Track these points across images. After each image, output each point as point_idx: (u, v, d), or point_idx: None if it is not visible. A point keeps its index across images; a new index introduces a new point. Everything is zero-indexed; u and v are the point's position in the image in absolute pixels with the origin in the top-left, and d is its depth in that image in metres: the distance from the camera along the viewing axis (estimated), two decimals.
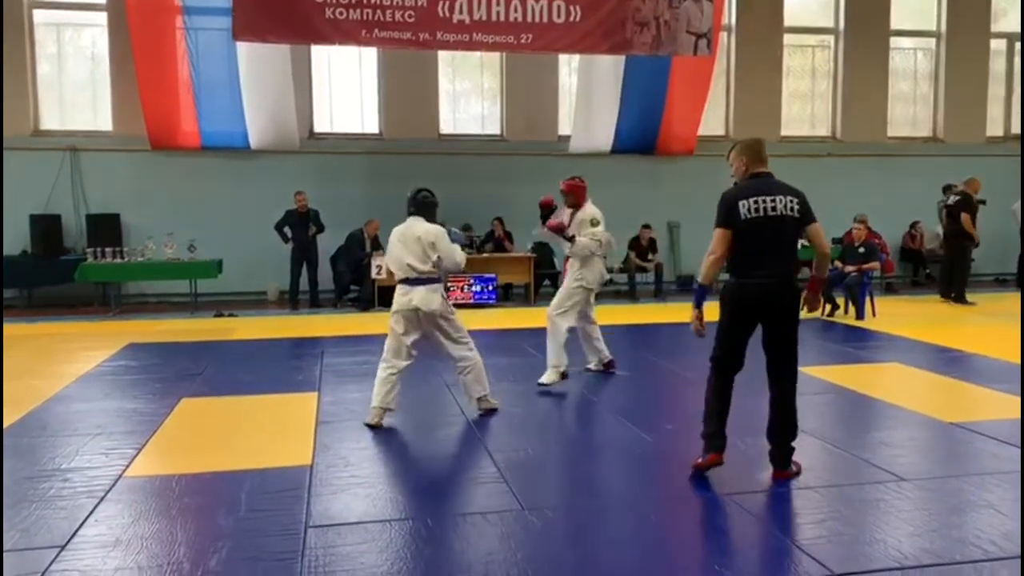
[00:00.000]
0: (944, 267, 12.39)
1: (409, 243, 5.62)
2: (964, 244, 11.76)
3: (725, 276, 4.42)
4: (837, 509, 4.00)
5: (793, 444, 4.36)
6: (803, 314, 4.37)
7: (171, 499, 4.23)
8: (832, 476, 4.50)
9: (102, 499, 4.19)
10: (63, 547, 3.61)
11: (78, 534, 3.75)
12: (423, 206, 5.77)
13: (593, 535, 3.76)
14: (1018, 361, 7.40)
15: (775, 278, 4.21)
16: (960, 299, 11.68)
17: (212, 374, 7.31)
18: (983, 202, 13.09)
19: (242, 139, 12.39)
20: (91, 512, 4.01)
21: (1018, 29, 15.21)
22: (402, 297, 5.59)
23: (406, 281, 5.59)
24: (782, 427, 4.34)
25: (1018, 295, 12.84)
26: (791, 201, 4.22)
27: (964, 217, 11.67)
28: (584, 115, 13.30)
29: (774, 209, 4.18)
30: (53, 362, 7.88)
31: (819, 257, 4.41)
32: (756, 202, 4.19)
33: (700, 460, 4.34)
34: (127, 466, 4.72)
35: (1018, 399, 6.06)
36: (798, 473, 4.35)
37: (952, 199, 11.95)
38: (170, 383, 6.89)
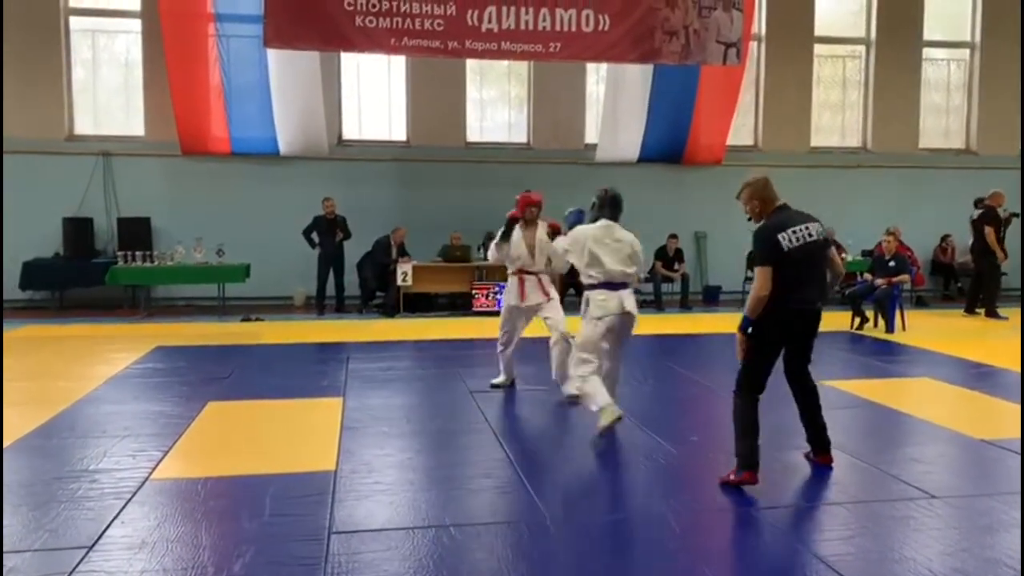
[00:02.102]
0: (972, 283, 12.23)
1: (612, 246, 5.53)
2: (989, 259, 11.58)
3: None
4: (865, 525, 3.94)
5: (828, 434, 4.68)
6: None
7: (196, 502, 4.26)
8: (860, 492, 4.44)
9: (129, 501, 4.22)
10: (90, 548, 3.64)
11: (105, 535, 3.79)
12: (619, 209, 5.68)
13: (616, 546, 3.74)
14: None
15: (814, 303, 4.46)
16: (992, 314, 11.50)
17: (238, 378, 7.36)
18: (1017, 215, 12.91)
19: (272, 145, 12.51)
20: (118, 514, 4.04)
21: None
22: (608, 302, 5.49)
23: (607, 285, 5.51)
24: (813, 415, 4.69)
25: None
26: (819, 227, 4.45)
27: (988, 231, 11.50)
28: (611, 124, 13.28)
29: (810, 235, 4.38)
30: (83, 364, 7.98)
31: (836, 277, 4.70)
32: (795, 232, 4.37)
33: (732, 476, 4.37)
34: (154, 468, 4.76)
35: None
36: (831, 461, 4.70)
37: (976, 213, 11.80)
38: (197, 386, 6.94)
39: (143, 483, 4.50)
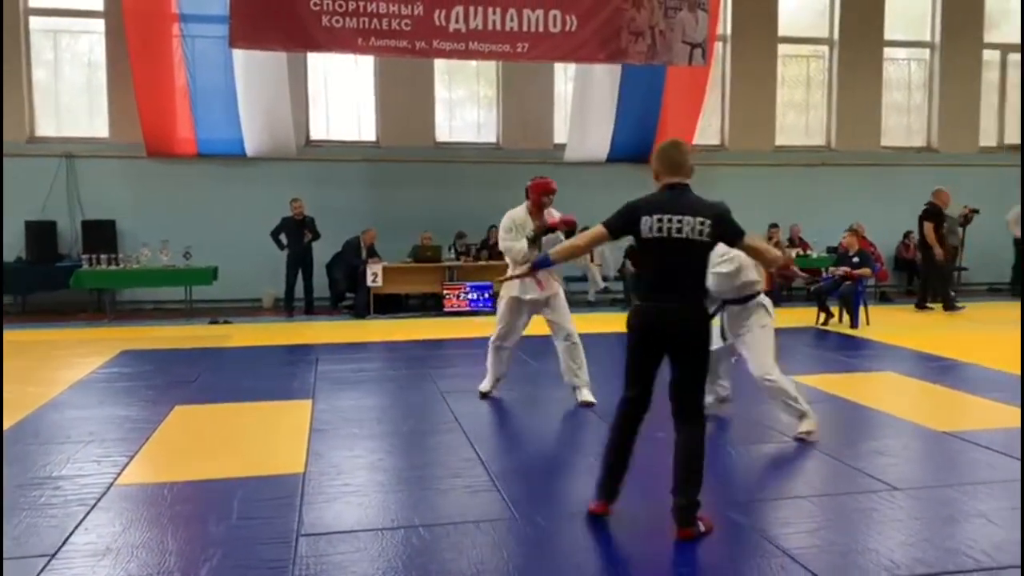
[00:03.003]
0: (922, 278, 12.47)
1: None
2: (928, 254, 11.79)
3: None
4: (829, 518, 4.01)
5: (699, 499, 3.76)
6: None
7: (162, 507, 4.22)
8: (825, 485, 4.51)
9: (93, 507, 4.17)
10: (53, 556, 3.60)
11: (68, 542, 3.74)
12: None
13: (585, 544, 3.76)
14: (1011, 370, 7.43)
15: (675, 303, 3.78)
16: (948, 307, 11.69)
17: (206, 381, 7.29)
18: (976, 211, 13.17)
19: (238, 146, 12.41)
20: (82, 520, 3.99)
21: (1010, 40, 15.32)
22: None
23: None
24: (683, 477, 3.77)
25: (1012, 304, 12.90)
26: (700, 223, 3.73)
27: (927, 227, 11.72)
28: (580, 123, 13.34)
29: (679, 231, 3.73)
30: (47, 369, 7.86)
31: (766, 264, 4.22)
32: (660, 220, 3.75)
33: (591, 504, 4.00)
34: (119, 474, 4.71)
35: (1012, 408, 6.09)
36: (706, 532, 3.74)
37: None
38: (163, 390, 6.87)
39: (108, 489, 4.45)
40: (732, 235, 3.86)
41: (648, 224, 3.78)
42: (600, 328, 9.21)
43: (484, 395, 6.47)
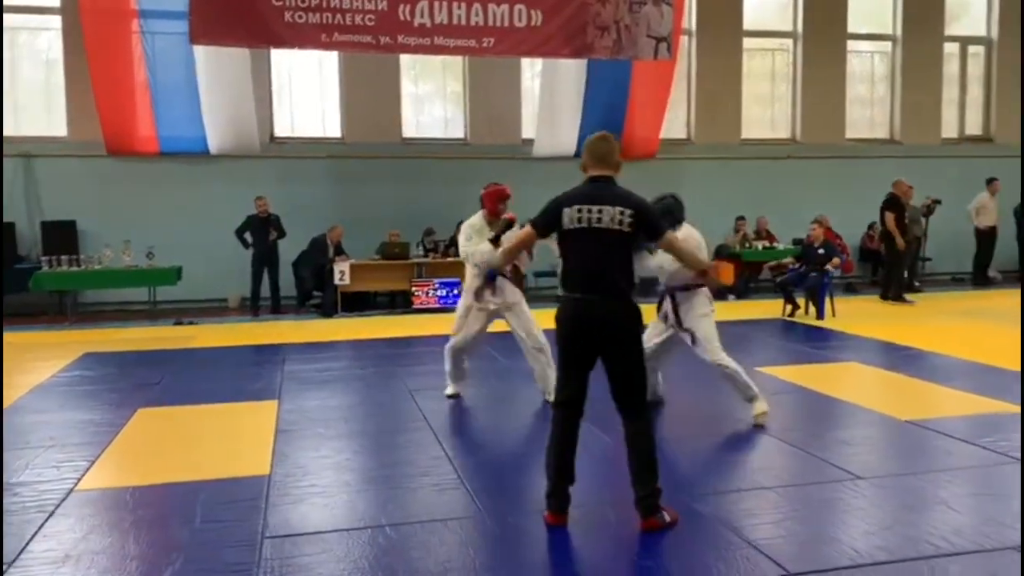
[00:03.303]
0: (885, 268, 12.63)
1: None
2: (892, 244, 11.94)
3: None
4: (794, 508, 4.04)
5: (659, 486, 3.75)
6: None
7: (124, 512, 4.15)
8: (789, 476, 4.55)
9: (52, 513, 4.10)
10: (11, 564, 3.52)
11: (26, 550, 3.67)
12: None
13: (552, 539, 3.75)
14: (973, 358, 7.56)
15: (599, 296, 3.72)
16: (898, 298, 11.84)
17: (170, 383, 7.20)
18: (938, 201, 13.36)
19: (201, 144, 12.24)
20: (40, 527, 3.92)
21: (970, 32, 15.56)
22: None
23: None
24: (638, 469, 3.76)
25: (973, 293, 13.13)
26: (621, 213, 3.68)
27: (888, 217, 11.87)
28: (547, 118, 13.33)
29: (599, 221, 3.69)
30: (6, 373, 7.65)
31: (688, 267, 4.17)
32: (580, 211, 3.73)
33: (546, 515, 3.89)
34: (79, 479, 4.63)
35: (973, 396, 6.20)
36: (672, 523, 3.75)
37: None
38: (127, 393, 6.77)
39: (68, 494, 4.37)
40: (653, 230, 3.81)
41: (568, 215, 3.76)
42: None
43: (452, 396, 6.40)
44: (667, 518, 3.76)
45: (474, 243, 5.93)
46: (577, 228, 3.75)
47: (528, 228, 3.95)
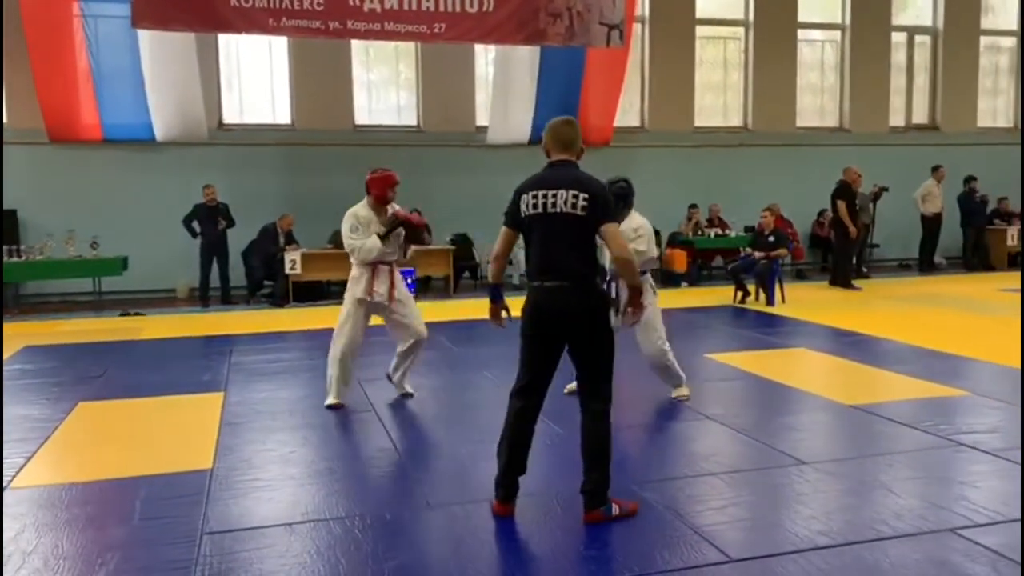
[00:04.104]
0: (834, 255, 12.83)
1: None
2: (841, 231, 12.14)
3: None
4: (739, 494, 4.07)
5: (606, 478, 3.72)
6: (618, 323, 3.91)
7: (59, 510, 4.03)
8: (735, 462, 4.57)
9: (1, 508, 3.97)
10: None
11: None
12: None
13: (497, 528, 3.73)
14: (918, 343, 7.70)
15: (560, 282, 3.65)
16: (846, 284, 12.04)
17: (113, 376, 7.03)
18: (886, 189, 13.59)
19: (147, 131, 11.96)
20: None
21: (916, 23, 15.82)
22: None
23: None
24: (587, 458, 3.73)
25: (920, 279, 13.39)
26: (574, 196, 3.62)
27: (840, 205, 12.06)
28: (501, 106, 13.26)
29: (553, 205, 3.64)
30: None
31: (616, 263, 3.83)
32: (535, 196, 3.68)
33: (494, 504, 3.87)
34: (13, 476, 4.49)
35: (916, 381, 6.31)
36: (626, 515, 3.73)
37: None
38: (68, 387, 6.60)
39: (1, 492, 4.23)
40: (601, 216, 3.66)
41: (526, 202, 3.72)
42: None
43: (335, 407, 5.81)
44: (615, 510, 3.73)
45: (360, 235, 5.69)
46: (533, 214, 3.69)
47: (504, 228, 3.85)
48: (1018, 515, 3.68)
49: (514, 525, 3.77)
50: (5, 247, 10.58)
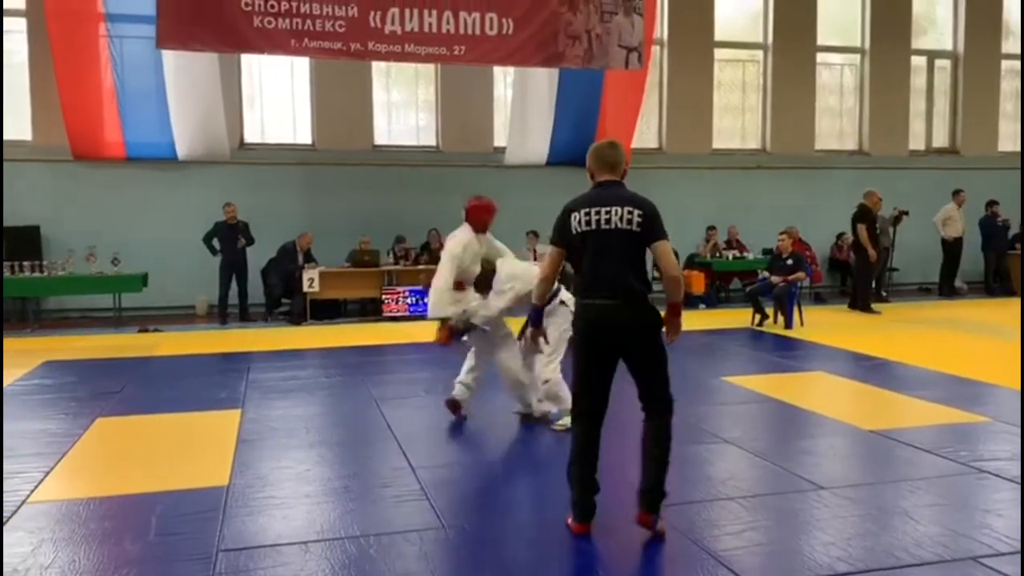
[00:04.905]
0: (853, 278, 12.73)
1: None
2: (862, 255, 12.06)
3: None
4: (756, 519, 4.03)
5: (666, 489, 3.77)
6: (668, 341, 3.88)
7: (76, 525, 4.05)
8: (753, 486, 4.53)
9: (2, 526, 3.99)
10: None
11: None
12: None
13: (514, 552, 3.72)
14: (939, 368, 7.62)
15: (615, 299, 3.68)
16: (865, 308, 11.95)
17: (132, 392, 7.07)
18: (906, 212, 13.51)
19: (169, 150, 12.09)
20: None
21: (936, 47, 15.79)
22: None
23: None
24: (651, 466, 3.77)
25: (940, 303, 13.28)
26: (629, 212, 3.69)
27: (860, 228, 11.99)
28: (519, 127, 13.33)
29: (608, 222, 3.69)
30: None
31: (665, 281, 3.78)
32: (588, 214, 3.72)
33: (569, 519, 3.88)
34: (32, 491, 4.51)
35: (937, 406, 6.24)
36: (657, 535, 3.74)
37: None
38: (86, 402, 6.64)
39: (19, 507, 4.26)
40: (655, 233, 3.73)
41: (577, 219, 3.74)
42: None
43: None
44: (661, 525, 3.75)
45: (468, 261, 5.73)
46: (587, 231, 3.72)
47: (553, 249, 3.88)
48: None
49: (529, 547, 3.75)
50: (28, 263, 10.70)
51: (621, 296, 3.69)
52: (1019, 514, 4.00)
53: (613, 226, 3.69)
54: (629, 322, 3.70)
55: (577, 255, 3.79)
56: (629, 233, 3.69)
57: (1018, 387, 6.76)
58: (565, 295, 5.51)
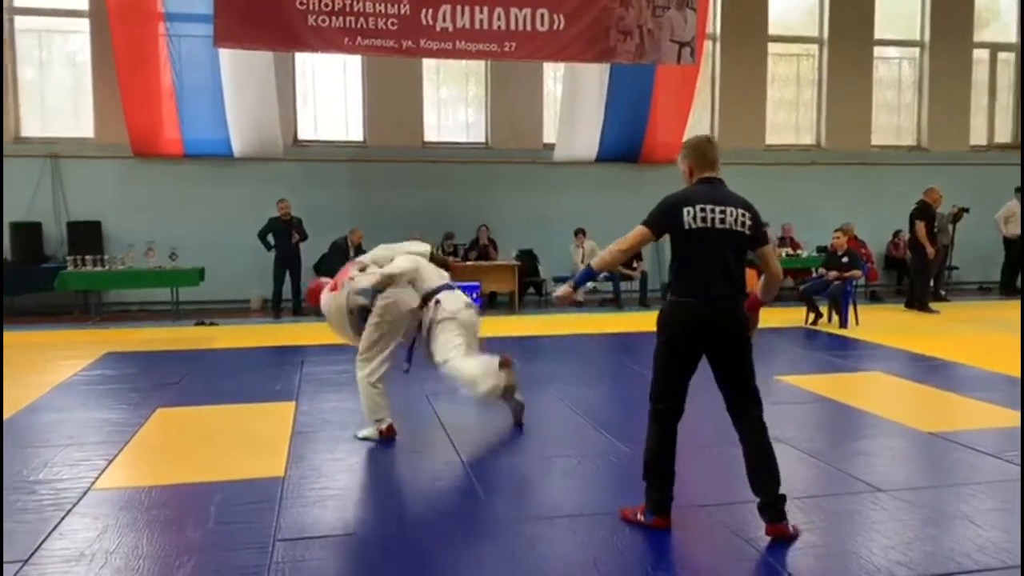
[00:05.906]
0: (911, 277, 12.46)
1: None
2: (920, 253, 11.78)
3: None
4: (811, 520, 3.96)
5: (782, 493, 3.73)
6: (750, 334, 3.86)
7: (139, 512, 4.17)
8: (809, 487, 4.47)
9: (69, 511, 4.12)
10: (25, 561, 3.54)
11: (42, 548, 3.69)
12: None
13: (564, 546, 3.71)
14: (999, 370, 7.42)
15: (721, 300, 3.66)
16: (923, 307, 11.68)
17: (189, 384, 7.23)
18: (966, 210, 13.17)
19: (225, 147, 12.34)
20: (56, 525, 3.94)
21: (999, 39, 15.34)
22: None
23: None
24: (763, 472, 3.74)
25: (1001, 303, 12.92)
26: (743, 215, 3.70)
27: (919, 226, 11.70)
28: (569, 123, 13.30)
29: (723, 221, 3.65)
30: (29, 372, 7.78)
31: (770, 278, 3.84)
32: (703, 210, 3.65)
33: (640, 515, 3.87)
34: (96, 478, 4.65)
35: (998, 408, 6.08)
36: (795, 535, 3.72)
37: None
38: (146, 393, 6.81)
39: (85, 493, 4.40)
40: (762, 236, 3.81)
41: (691, 214, 3.66)
42: (585, 329, 9.12)
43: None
44: (793, 526, 3.73)
45: None
46: (699, 228, 3.65)
47: (642, 229, 3.74)
48: None
49: (576, 542, 3.75)
50: (90, 256, 11.01)
51: (728, 294, 3.69)
52: None
53: (728, 226, 3.67)
54: (731, 321, 3.70)
55: (681, 250, 3.72)
56: (741, 236, 3.70)
57: None
58: (445, 300, 5.63)
